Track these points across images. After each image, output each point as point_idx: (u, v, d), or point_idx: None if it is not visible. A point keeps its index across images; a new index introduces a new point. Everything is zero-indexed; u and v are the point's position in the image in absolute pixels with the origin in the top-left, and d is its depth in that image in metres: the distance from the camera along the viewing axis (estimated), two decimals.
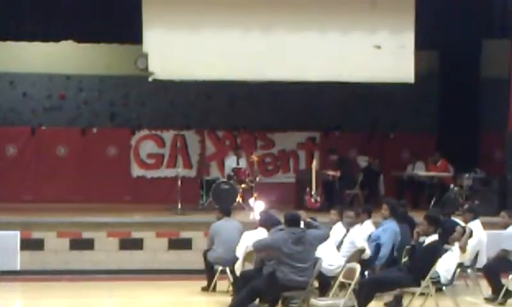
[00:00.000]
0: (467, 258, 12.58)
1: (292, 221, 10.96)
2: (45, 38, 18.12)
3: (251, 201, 18.04)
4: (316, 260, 11.04)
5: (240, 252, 12.23)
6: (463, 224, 13.20)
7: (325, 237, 11.22)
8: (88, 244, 15.46)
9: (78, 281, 14.57)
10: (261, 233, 11.79)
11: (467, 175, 18.34)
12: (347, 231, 12.67)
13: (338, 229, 12.79)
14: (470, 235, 12.44)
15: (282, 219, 11.71)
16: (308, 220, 11.61)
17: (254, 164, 19.03)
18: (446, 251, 11.67)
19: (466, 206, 14.57)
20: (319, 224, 11.62)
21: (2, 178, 19.97)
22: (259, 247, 10.99)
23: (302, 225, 11.14)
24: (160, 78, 17.11)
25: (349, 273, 10.84)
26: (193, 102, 21.03)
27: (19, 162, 20.47)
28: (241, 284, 11.41)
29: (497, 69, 19.51)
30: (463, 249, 12.12)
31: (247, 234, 12.32)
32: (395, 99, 20.67)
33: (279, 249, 10.66)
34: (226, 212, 13.72)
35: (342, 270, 11.19)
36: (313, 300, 10.78)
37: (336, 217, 13.03)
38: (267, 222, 11.95)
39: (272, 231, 11.50)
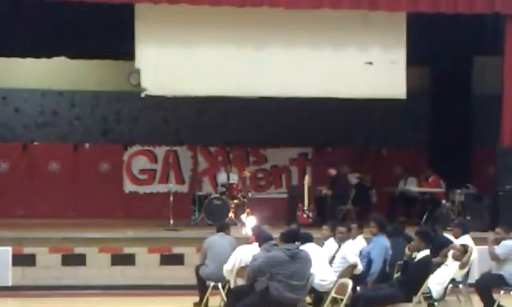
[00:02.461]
0: (460, 274, 12.59)
1: (289, 238, 10.93)
2: (38, 54, 18.17)
3: (244, 216, 18.03)
4: (309, 276, 11.01)
5: (230, 264, 12.19)
6: (453, 239, 13.21)
7: None
8: (80, 260, 15.42)
9: (70, 297, 14.54)
10: (255, 248, 11.79)
11: (459, 191, 18.37)
12: (339, 246, 12.68)
13: (330, 245, 12.80)
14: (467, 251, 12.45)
15: (275, 235, 11.79)
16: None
17: (246, 180, 19.06)
18: (438, 265, 11.68)
19: (455, 221, 14.55)
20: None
21: None
22: (252, 272, 10.85)
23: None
24: (152, 94, 17.14)
25: (341, 288, 10.85)
26: (185, 118, 21.05)
27: (11, 178, 20.44)
28: (233, 300, 11.39)
29: (488, 85, 19.61)
30: (463, 266, 12.12)
31: (240, 248, 12.31)
32: (387, 115, 20.73)
33: (271, 269, 10.64)
34: (222, 228, 13.70)
35: (334, 285, 11.19)
36: None
37: (328, 233, 13.04)
38: (258, 237, 11.95)
39: (264, 247, 11.50)
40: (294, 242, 10.90)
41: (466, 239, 13.13)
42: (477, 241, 13.60)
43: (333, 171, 19.09)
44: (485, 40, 18.33)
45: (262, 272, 10.65)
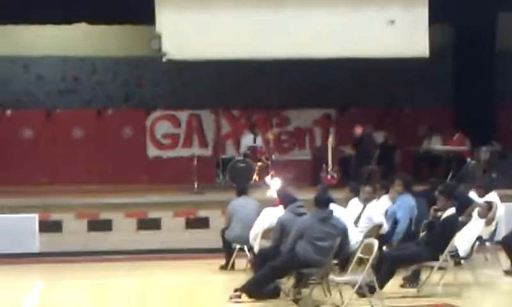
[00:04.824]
0: (486, 231, 12.53)
1: (321, 203, 10.91)
2: (58, 21, 18.09)
3: (268, 178, 18.03)
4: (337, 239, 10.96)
5: (256, 227, 12.21)
6: (478, 199, 13.15)
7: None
8: (106, 225, 15.52)
9: (96, 262, 14.64)
10: (280, 210, 11.78)
11: (484, 148, 18.27)
12: (364, 206, 12.65)
13: (354, 205, 12.76)
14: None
15: (300, 196, 11.78)
16: None
17: (270, 142, 19.05)
18: (463, 224, 11.63)
19: (477, 182, 14.37)
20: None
21: (19, 161, 20.07)
22: (292, 241, 10.83)
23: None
24: (173, 59, 17.07)
25: (367, 249, 10.82)
26: (207, 81, 20.97)
27: (35, 145, 20.55)
28: (259, 261, 11.41)
29: None
30: (489, 222, 12.05)
31: (267, 210, 12.31)
32: (410, 74, 20.51)
33: (302, 232, 10.69)
34: (243, 191, 13.72)
35: (360, 245, 11.17)
36: (332, 277, 10.78)
37: (348, 194, 13.00)
38: (283, 200, 11.93)
39: (289, 209, 11.48)
40: (326, 207, 10.88)
41: (492, 196, 13.04)
42: (504, 198, 13.52)
43: (359, 130, 18.99)
44: None
45: (298, 236, 10.67)
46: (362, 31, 17.19)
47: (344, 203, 12.74)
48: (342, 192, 13.68)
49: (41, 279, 13.85)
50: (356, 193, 12.90)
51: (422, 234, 12.26)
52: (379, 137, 19.85)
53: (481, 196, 13.15)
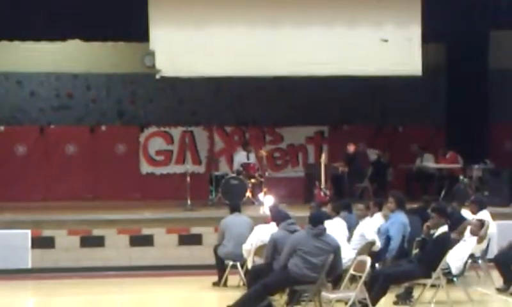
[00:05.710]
0: (478, 249, 12.56)
1: (316, 221, 10.92)
2: (52, 37, 18.13)
3: (261, 196, 18.05)
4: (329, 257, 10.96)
5: (248, 244, 12.22)
6: (471, 215, 13.19)
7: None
8: (99, 241, 15.50)
9: (89, 278, 14.63)
10: (273, 228, 11.79)
11: (477, 166, 18.29)
12: (357, 223, 12.67)
13: (336, 223, 12.71)
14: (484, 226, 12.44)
15: (292, 214, 11.80)
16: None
17: (263, 159, 19.06)
18: (457, 241, 11.66)
19: (472, 197, 14.47)
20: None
21: (12, 178, 20.04)
22: (285, 257, 10.86)
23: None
24: (167, 76, 17.12)
25: (360, 266, 10.84)
26: (201, 98, 21.02)
27: (28, 161, 20.52)
28: (252, 278, 11.42)
29: (505, 60, 19.45)
30: (481, 240, 12.08)
31: (259, 227, 12.33)
32: (403, 92, 20.60)
33: (294, 247, 10.71)
34: (236, 208, 13.74)
35: (353, 263, 11.18)
36: (324, 294, 10.79)
37: (333, 213, 12.98)
38: (276, 216, 11.96)
39: (281, 226, 11.50)
40: (320, 224, 10.90)
41: (484, 214, 13.09)
42: (496, 216, 13.56)
43: (351, 147, 19.05)
44: (501, 14, 18.13)
45: (290, 252, 10.69)
46: (356, 50, 17.27)
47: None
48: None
49: (33, 295, 13.84)
50: (338, 212, 12.82)
51: (414, 251, 12.28)
52: (372, 154, 19.90)
53: (474, 212, 13.19)
